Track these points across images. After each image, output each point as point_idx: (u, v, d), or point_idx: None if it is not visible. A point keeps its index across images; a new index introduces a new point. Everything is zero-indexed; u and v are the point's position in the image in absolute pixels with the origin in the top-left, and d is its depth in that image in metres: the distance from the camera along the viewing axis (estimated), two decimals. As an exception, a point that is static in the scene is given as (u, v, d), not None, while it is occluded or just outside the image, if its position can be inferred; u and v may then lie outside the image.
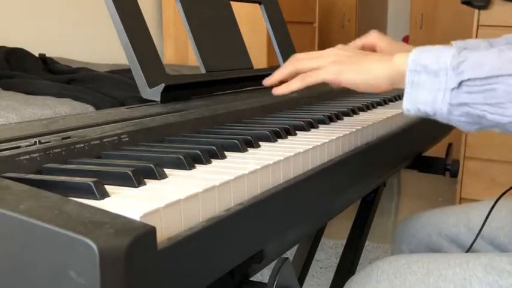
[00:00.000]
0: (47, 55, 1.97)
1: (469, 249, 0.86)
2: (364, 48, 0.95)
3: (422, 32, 4.05)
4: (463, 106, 0.57)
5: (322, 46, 3.69)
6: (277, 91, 0.75)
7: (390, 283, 0.67)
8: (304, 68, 0.72)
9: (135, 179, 0.45)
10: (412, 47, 0.92)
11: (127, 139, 0.60)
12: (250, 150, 0.61)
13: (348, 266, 1.25)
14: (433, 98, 0.59)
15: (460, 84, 0.57)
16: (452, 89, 0.57)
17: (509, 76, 0.55)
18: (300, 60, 0.73)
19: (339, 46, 0.73)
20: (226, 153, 0.58)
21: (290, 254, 1.42)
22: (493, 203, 0.88)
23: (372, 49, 0.93)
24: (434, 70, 0.59)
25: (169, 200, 0.40)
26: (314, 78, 0.70)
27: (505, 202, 0.88)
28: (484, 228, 0.86)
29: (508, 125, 0.56)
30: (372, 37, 0.93)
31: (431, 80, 0.59)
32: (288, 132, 0.70)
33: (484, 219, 0.85)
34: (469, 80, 0.56)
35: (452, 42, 0.95)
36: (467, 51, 0.59)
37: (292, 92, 0.74)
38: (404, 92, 0.61)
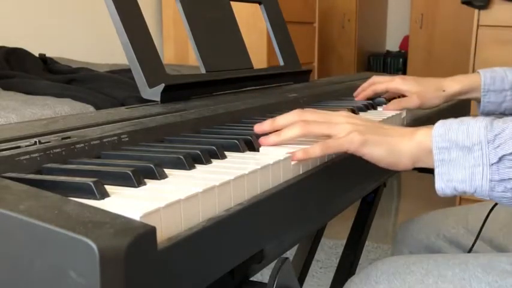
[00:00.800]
0: (47, 55, 1.98)
1: (469, 252, 0.86)
2: (388, 93, 0.98)
3: (422, 32, 4.05)
4: (507, 181, 0.54)
5: (322, 46, 3.68)
6: (296, 157, 0.59)
7: (389, 284, 0.67)
8: (315, 134, 0.63)
9: (135, 179, 0.45)
10: (433, 80, 0.94)
11: (127, 139, 0.60)
12: (250, 150, 0.61)
13: (348, 266, 1.25)
14: (471, 175, 0.55)
15: (501, 158, 0.54)
16: (492, 165, 0.54)
17: None
18: (309, 124, 0.63)
19: (343, 113, 0.66)
20: (226, 153, 0.58)
21: (290, 254, 1.42)
22: (492, 204, 0.88)
23: (398, 94, 0.95)
24: (467, 146, 0.55)
25: (169, 200, 0.40)
26: (337, 148, 0.61)
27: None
28: (483, 229, 0.86)
29: None
30: (396, 83, 0.95)
31: (464, 156, 0.55)
32: (288, 132, 0.70)
33: (483, 221, 0.85)
34: (511, 154, 0.54)
35: (480, 71, 0.94)
36: (500, 122, 0.56)
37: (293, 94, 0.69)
38: (435, 172, 0.58)
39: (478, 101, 0.95)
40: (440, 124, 0.58)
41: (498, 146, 0.54)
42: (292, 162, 0.58)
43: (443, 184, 0.57)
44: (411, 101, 0.92)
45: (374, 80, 0.98)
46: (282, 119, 0.65)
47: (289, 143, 0.63)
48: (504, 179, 0.54)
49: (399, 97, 0.96)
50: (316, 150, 0.60)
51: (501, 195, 0.55)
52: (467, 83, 0.94)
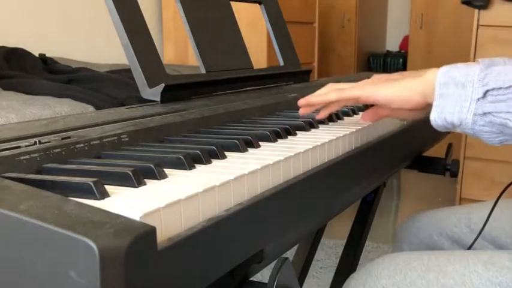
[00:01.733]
0: (47, 55, 1.98)
1: (469, 249, 0.86)
2: None
3: (422, 32, 4.05)
4: (487, 115, 0.60)
5: (322, 46, 3.67)
6: (312, 100, 0.76)
7: (391, 279, 0.67)
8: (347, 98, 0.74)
9: (135, 179, 0.45)
10: (433, 70, 0.96)
11: (127, 139, 0.60)
12: (250, 150, 0.61)
13: (348, 265, 1.25)
14: (460, 108, 0.61)
15: (485, 94, 0.59)
16: (478, 99, 0.60)
17: None
18: (335, 85, 0.76)
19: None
20: (226, 153, 0.58)
21: (290, 254, 1.42)
22: (494, 202, 0.88)
23: None
24: (462, 82, 0.61)
25: (169, 200, 0.40)
26: (349, 94, 0.72)
27: (506, 201, 0.88)
28: (485, 228, 0.86)
29: None
30: None
31: (458, 91, 0.61)
32: (288, 132, 0.70)
33: (485, 219, 0.85)
34: (493, 89, 0.59)
35: (479, 60, 0.95)
36: (494, 66, 0.62)
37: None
38: (433, 104, 0.63)
39: None
40: (449, 66, 0.64)
41: (485, 84, 0.60)
42: (302, 101, 0.75)
43: (436, 115, 0.63)
44: None
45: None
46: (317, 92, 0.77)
47: (287, 145, 0.63)
48: (485, 113, 0.60)
49: None
50: (332, 94, 0.73)
51: (481, 129, 0.61)
52: None
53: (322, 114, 0.77)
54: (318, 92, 0.77)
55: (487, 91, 0.59)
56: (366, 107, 0.90)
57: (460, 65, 0.64)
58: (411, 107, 0.68)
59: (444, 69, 0.64)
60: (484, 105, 0.60)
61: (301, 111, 0.78)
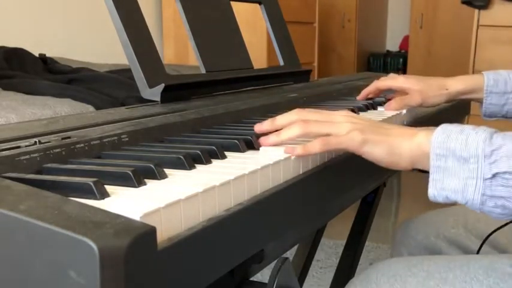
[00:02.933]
0: (47, 55, 1.98)
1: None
2: (392, 94, 0.99)
3: (422, 32, 4.05)
4: (499, 199, 0.54)
5: (322, 46, 3.68)
6: (296, 152, 0.59)
7: (390, 286, 0.66)
8: (315, 133, 0.62)
9: (135, 179, 0.45)
10: (436, 79, 0.94)
11: (127, 139, 0.60)
12: (250, 150, 0.61)
13: (348, 266, 1.25)
14: (464, 186, 0.55)
15: (495, 175, 0.54)
16: (486, 179, 0.54)
17: None
18: (309, 124, 0.63)
19: (344, 112, 0.66)
20: (226, 153, 0.58)
21: (290, 254, 1.42)
22: None
23: (403, 92, 0.95)
24: (464, 157, 0.55)
25: (170, 200, 0.40)
26: (336, 146, 0.61)
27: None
28: (483, 230, 0.86)
29: None
30: (399, 81, 0.95)
31: (460, 166, 0.56)
32: (288, 132, 0.70)
33: (483, 222, 0.85)
34: (505, 173, 0.54)
35: (484, 73, 0.94)
36: (500, 137, 0.56)
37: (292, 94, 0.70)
38: (430, 178, 0.58)
39: (481, 102, 0.95)
40: (441, 130, 0.58)
41: (493, 162, 0.54)
42: (292, 158, 0.58)
43: (435, 191, 0.58)
44: (413, 98, 0.92)
45: (379, 79, 0.99)
46: (281, 119, 0.65)
47: (289, 142, 0.63)
48: (495, 196, 0.54)
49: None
50: (315, 146, 0.60)
51: (491, 210, 0.56)
52: (470, 83, 0.95)
53: (298, 152, 0.60)
54: (287, 127, 0.63)
55: (497, 173, 0.54)
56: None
57: (454, 131, 0.57)
58: (398, 169, 0.63)
59: (439, 137, 0.57)
60: (495, 188, 0.54)
61: (292, 153, 0.60)
